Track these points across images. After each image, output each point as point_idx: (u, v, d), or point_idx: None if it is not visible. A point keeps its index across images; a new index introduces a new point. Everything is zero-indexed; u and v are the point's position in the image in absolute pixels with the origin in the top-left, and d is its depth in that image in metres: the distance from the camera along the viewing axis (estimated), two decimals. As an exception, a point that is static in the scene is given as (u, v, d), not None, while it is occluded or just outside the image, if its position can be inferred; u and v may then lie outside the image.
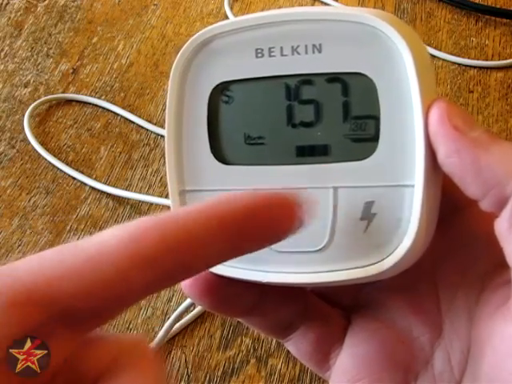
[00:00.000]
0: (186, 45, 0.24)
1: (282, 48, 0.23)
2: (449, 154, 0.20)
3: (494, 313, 0.21)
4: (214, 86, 0.24)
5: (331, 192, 0.22)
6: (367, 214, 0.22)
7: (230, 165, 0.24)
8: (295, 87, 0.23)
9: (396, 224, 0.22)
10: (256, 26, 0.23)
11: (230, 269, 0.24)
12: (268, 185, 0.23)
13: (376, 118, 0.22)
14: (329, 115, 0.23)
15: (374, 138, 0.22)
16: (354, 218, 0.22)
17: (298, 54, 0.22)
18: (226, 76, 0.24)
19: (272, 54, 0.23)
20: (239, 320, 0.26)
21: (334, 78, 0.22)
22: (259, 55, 0.23)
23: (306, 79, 0.23)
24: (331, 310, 0.26)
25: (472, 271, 0.23)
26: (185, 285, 0.24)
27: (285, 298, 0.25)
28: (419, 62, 0.21)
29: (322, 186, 0.23)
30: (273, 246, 0.23)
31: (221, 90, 0.24)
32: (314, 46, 0.22)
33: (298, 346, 0.26)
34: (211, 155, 0.24)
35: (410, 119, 0.21)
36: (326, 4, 0.67)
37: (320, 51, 0.22)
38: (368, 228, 0.22)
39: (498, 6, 0.64)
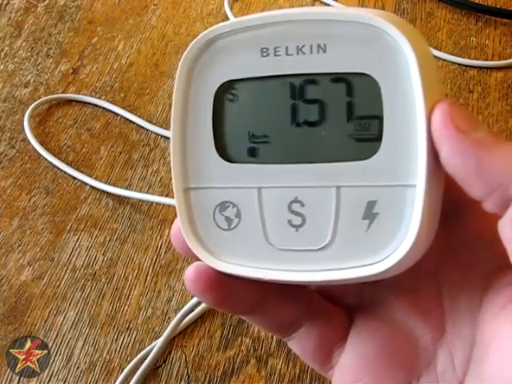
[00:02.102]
0: (191, 44, 0.24)
1: (287, 47, 0.23)
2: (452, 155, 0.20)
3: (499, 313, 0.21)
4: (219, 84, 0.24)
5: (334, 191, 0.23)
6: (369, 214, 0.22)
7: (235, 163, 0.24)
8: (300, 86, 0.23)
9: (398, 223, 0.22)
10: (262, 25, 0.23)
11: (232, 266, 0.24)
12: (271, 183, 0.23)
13: (379, 118, 0.22)
14: (333, 115, 0.23)
15: (378, 138, 0.22)
16: (357, 217, 0.22)
17: (303, 53, 0.23)
18: (232, 75, 0.24)
19: (277, 53, 0.23)
20: (242, 318, 0.26)
21: (338, 78, 0.22)
22: (264, 54, 0.23)
23: (311, 79, 0.23)
24: (334, 308, 0.26)
25: (475, 271, 0.23)
26: (188, 280, 0.24)
27: (288, 297, 0.25)
28: (423, 62, 0.21)
29: (325, 185, 0.23)
30: (275, 244, 0.23)
31: (226, 89, 0.24)
32: (318, 45, 0.22)
33: (300, 344, 0.26)
34: (216, 153, 0.24)
35: (413, 119, 0.21)
36: (325, 4, 0.67)
37: (325, 51, 0.22)
38: (370, 227, 0.22)
39: (498, 6, 0.64)
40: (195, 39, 0.24)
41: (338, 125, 0.23)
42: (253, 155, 0.24)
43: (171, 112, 0.24)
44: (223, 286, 0.24)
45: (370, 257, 0.22)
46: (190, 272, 0.24)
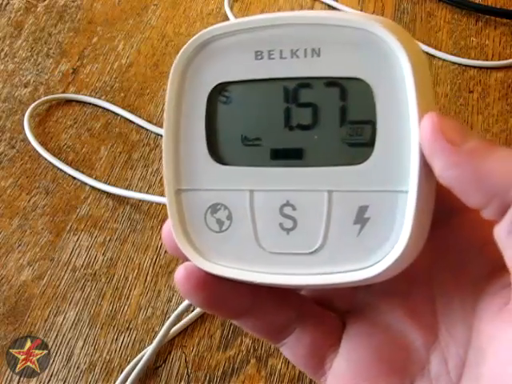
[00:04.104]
0: (186, 45, 0.24)
1: (281, 51, 0.23)
2: (447, 169, 0.20)
3: (494, 317, 0.21)
4: (212, 86, 0.24)
5: (326, 195, 0.23)
6: (361, 218, 0.22)
7: (227, 165, 0.24)
8: (293, 90, 0.23)
9: (389, 229, 0.22)
10: (256, 28, 0.23)
11: (222, 268, 0.24)
12: (263, 186, 0.23)
13: (372, 124, 0.22)
14: (326, 119, 0.23)
15: (370, 143, 0.22)
16: (348, 221, 0.22)
17: (297, 57, 0.23)
18: (225, 77, 0.24)
19: (271, 56, 0.23)
20: (232, 322, 0.26)
21: (332, 82, 0.22)
22: (259, 57, 0.23)
23: (305, 83, 0.23)
24: (326, 313, 0.26)
25: (467, 275, 0.23)
26: (177, 280, 0.24)
27: (279, 301, 0.25)
28: (417, 68, 0.21)
29: (317, 189, 0.23)
30: (266, 247, 0.23)
31: (219, 91, 0.24)
32: (313, 50, 0.22)
33: (292, 350, 0.26)
34: (208, 155, 0.24)
35: (406, 126, 0.21)
36: (326, 4, 0.67)
37: (319, 55, 0.22)
38: (361, 232, 0.22)
39: (498, 6, 0.64)
40: (189, 41, 0.24)
41: (330, 129, 0.23)
42: (245, 158, 0.24)
43: (164, 113, 0.24)
44: (212, 287, 0.24)
45: (361, 261, 0.22)
46: (179, 272, 0.24)
